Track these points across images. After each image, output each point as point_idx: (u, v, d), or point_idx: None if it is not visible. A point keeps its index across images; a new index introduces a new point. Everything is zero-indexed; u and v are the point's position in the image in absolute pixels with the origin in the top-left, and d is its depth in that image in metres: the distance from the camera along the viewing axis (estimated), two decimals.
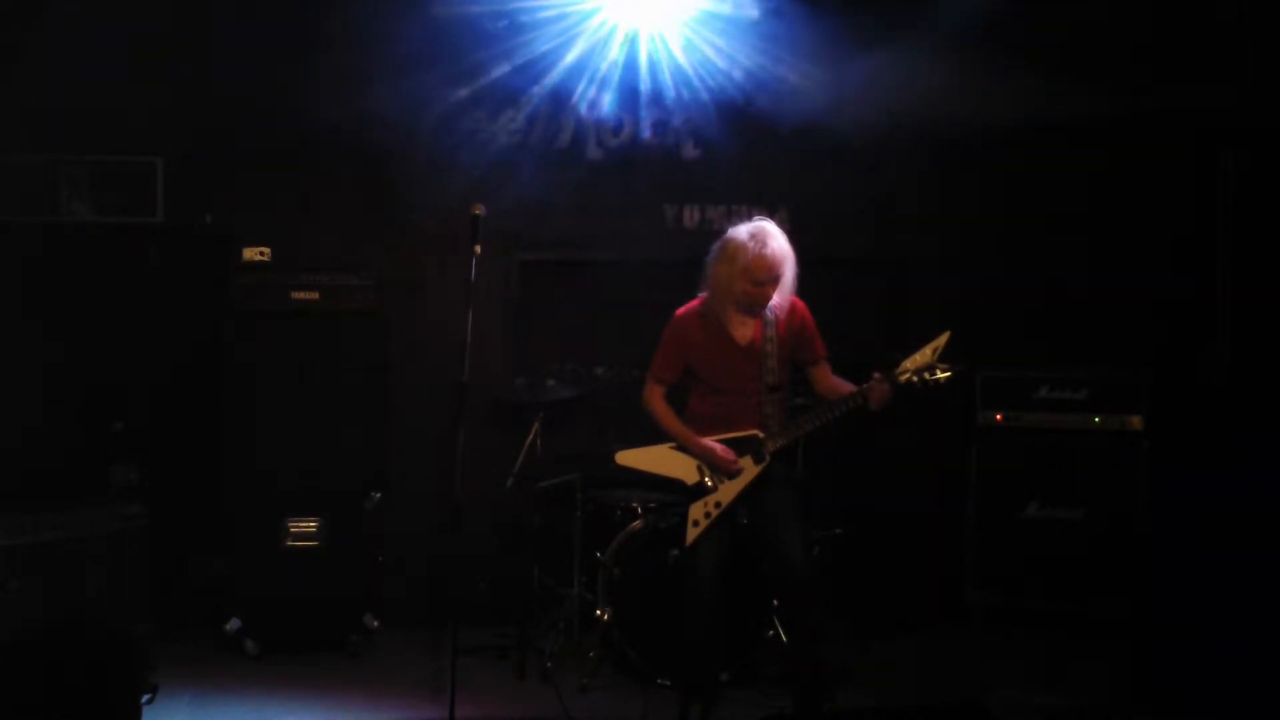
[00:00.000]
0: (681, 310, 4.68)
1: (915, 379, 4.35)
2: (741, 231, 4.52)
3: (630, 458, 4.74)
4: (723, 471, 4.53)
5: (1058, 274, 6.29)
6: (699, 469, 4.58)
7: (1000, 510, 6.03)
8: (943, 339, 4.35)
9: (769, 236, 4.48)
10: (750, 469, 4.52)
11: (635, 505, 5.48)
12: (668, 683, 5.11)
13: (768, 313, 4.54)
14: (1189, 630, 4.62)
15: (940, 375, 4.34)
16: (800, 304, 4.65)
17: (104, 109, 6.08)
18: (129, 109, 6.09)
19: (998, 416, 6.09)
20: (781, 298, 4.54)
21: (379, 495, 5.77)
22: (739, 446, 4.54)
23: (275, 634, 5.64)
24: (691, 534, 4.54)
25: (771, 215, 6.34)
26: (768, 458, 4.52)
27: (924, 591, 6.14)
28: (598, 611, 5.31)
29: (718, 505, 4.52)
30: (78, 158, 6.02)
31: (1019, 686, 5.17)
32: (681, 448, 4.62)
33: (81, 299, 5.85)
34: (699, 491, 4.56)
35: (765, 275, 4.45)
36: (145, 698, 4.03)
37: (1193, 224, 6.20)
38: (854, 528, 5.79)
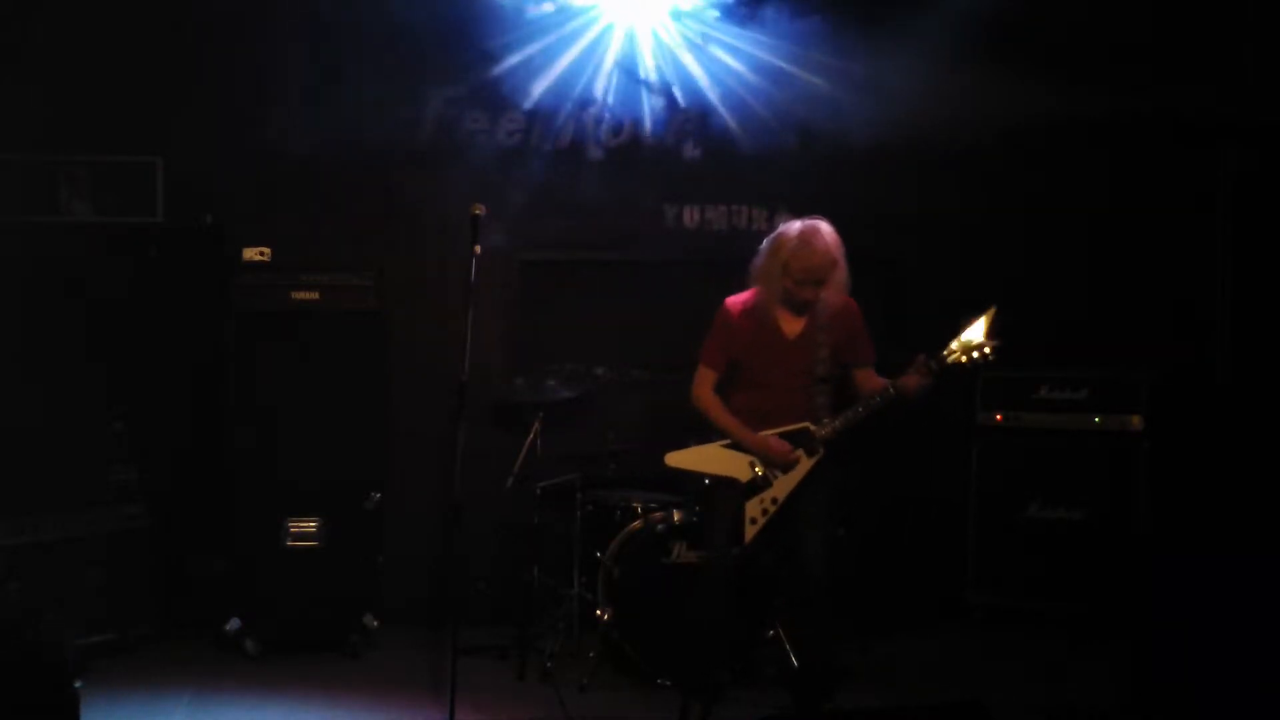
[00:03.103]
0: (731, 299, 4.64)
1: (964, 358, 4.33)
2: (793, 228, 4.48)
3: (681, 459, 4.67)
4: (779, 464, 4.48)
5: (1058, 274, 6.29)
6: (752, 465, 4.53)
7: (1000, 510, 6.04)
8: (988, 316, 4.34)
9: (815, 237, 4.43)
10: (804, 462, 4.47)
11: (635, 505, 5.48)
12: (668, 683, 5.11)
13: (818, 308, 4.50)
14: (1188, 630, 4.61)
15: (989, 351, 4.32)
16: (853, 304, 4.60)
17: (104, 109, 6.08)
18: (129, 109, 6.09)
19: (998, 416, 6.10)
20: (834, 297, 4.49)
21: (379, 495, 5.76)
22: (791, 441, 4.49)
23: (275, 634, 5.63)
24: (750, 531, 4.49)
25: (771, 216, 6.41)
26: (821, 450, 4.48)
27: (924, 591, 6.14)
28: (598, 611, 5.31)
29: (774, 501, 4.48)
30: (78, 158, 6.01)
31: (1019, 686, 5.17)
32: (733, 445, 4.56)
33: (82, 299, 5.84)
34: (754, 488, 4.51)
35: (805, 275, 4.42)
36: (79, 684, 4.01)
37: (1193, 224, 6.20)
38: (855, 527, 5.78)
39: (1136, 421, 5.91)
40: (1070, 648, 5.68)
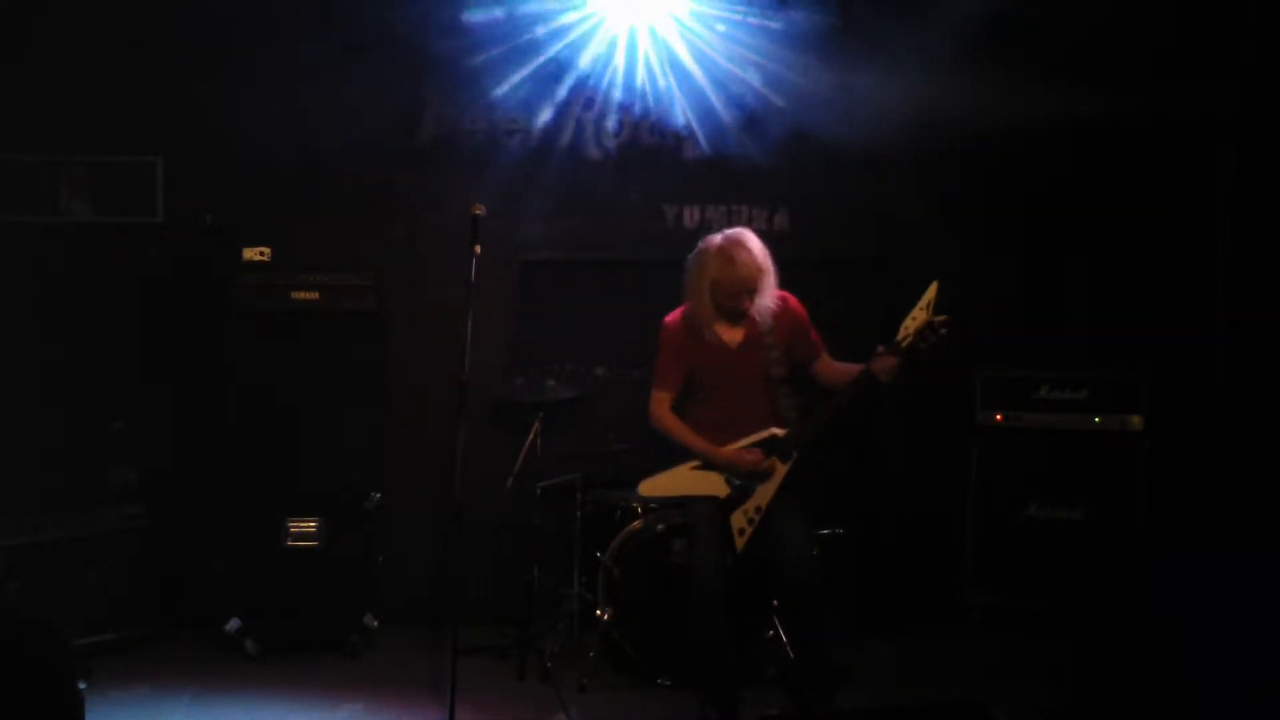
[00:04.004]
0: (668, 318, 4.65)
1: (921, 342, 4.28)
2: (714, 242, 4.47)
3: (654, 486, 4.68)
4: (754, 475, 4.47)
5: (1058, 274, 6.29)
6: (727, 480, 4.53)
7: (1000, 510, 6.03)
8: (931, 291, 4.29)
9: (738, 249, 4.42)
10: (780, 468, 4.46)
11: (635, 505, 5.48)
12: (668, 683, 5.11)
13: (755, 314, 4.50)
14: (1188, 630, 4.62)
15: (939, 326, 4.25)
16: (791, 299, 4.60)
17: (104, 109, 6.08)
18: (129, 109, 6.09)
19: (998, 416, 6.09)
20: (766, 300, 4.48)
21: (379, 495, 5.77)
22: (761, 450, 4.49)
23: (275, 634, 5.64)
24: (740, 542, 4.48)
25: (771, 216, 6.42)
26: (794, 453, 4.46)
27: (924, 591, 6.14)
28: (598, 611, 5.31)
29: (758, 510, 4.47)
30: (78, 158, 6.01)
31: (1018, 686, 5.17)
32: (703, 464, 4.55)
33: (81, 299, 5.85)
34: (735, 500, 4.51)
35: (736, 288, 4.42)
36: (82, 685, 4.03)
37: (1193, 224, 6.20)
38: (854, 528, 5.79)
39: (1136, 421, 5.90)
40: (1070, 648, 5.68)
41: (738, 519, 4.50)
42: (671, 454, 4.68)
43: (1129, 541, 5.74)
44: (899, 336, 4.31)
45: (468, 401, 4.68)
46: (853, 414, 4.46)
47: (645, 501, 5.47)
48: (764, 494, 4.48)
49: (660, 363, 4.64)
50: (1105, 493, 5.88)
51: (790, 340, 4.57)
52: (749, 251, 4.43)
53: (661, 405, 4.61)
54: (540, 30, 6.16)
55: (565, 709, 4.85)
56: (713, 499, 4.54)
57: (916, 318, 4.29)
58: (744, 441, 4.51)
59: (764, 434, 4.50)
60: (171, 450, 5.94)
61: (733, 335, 4.56)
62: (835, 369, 4.57)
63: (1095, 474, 5.91)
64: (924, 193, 6.32)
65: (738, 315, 4.51)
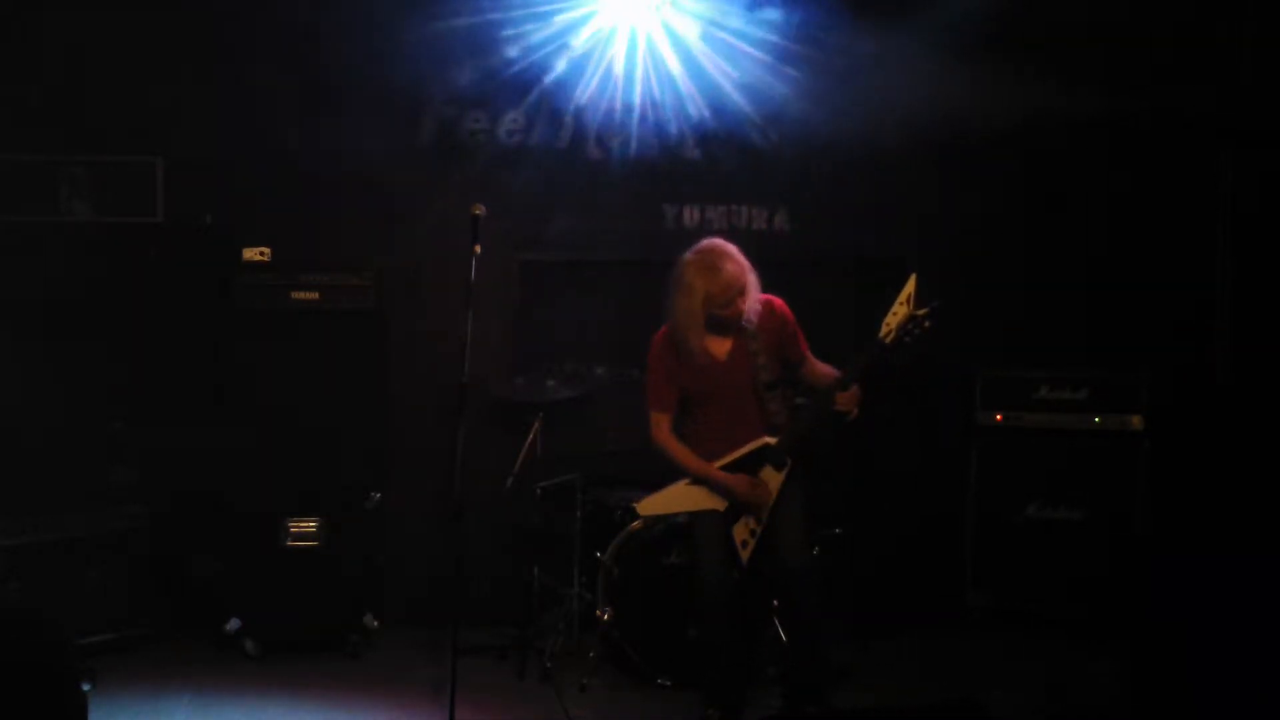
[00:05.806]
0: (656, 337, 4.62)
1: (905, 336, 4.28)
2: (691, 260, 4.45)
3: (653, 505, 4.66)
4: (756, 505, 4.46)
5: (1058, 273, 6.29)
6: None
7: (1000, 510, 6.03)
8: (910, 284, 4.29)
9: (720, 257, 4.40)
10: (776, 478, 4.46)
11: (635, 505, 5.47)
12: (668, 682, 5.11)
13: (744, 320, 4.48)
14: (1188, 630, 4.61)
15: (924, 318, 4.25)
16: (778, 302, 4.58)
17: (104, 109, 6.08)
18: (129, 109, 6.09)
19: (998, 416, 6.09)
20: (753, 302, 4.47)
21: (379, 495, 5.77)
22: (755, 461, 4.47)
23: (275, 634, 5.64)
24: (744, 554, 4.47)
25: (771, 216, 6.42)
26: (788, 460, 4.46)
27: (924, 591, 6.14)
28: (598, 611, 5.31)
29: (759, 521, 4.47)
30: (78, 158, 6.01)
31: (1018, 687, 5.17)
32: (698, 480, 4.54)
33: (81, 299, 5.84)
34: (736, 513, 4.50)
35: (729, 292, 4.39)
36: (86, 686, 4.03)
37: (1193, 223, 6.20)
38: (854, 528, 5.79)
39: (1136, 421, 5.90)
40: (1070, 648, 5.68)
41: (740, 531, 4.49)
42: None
43: (1129, 541, 5.74)
44: (882, 333, 4.31)
45: (468, 401, 4.68)
46: (835, 421, 4.45)
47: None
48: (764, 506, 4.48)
49: (652, 383, 4.62)
50: (1105, 493, 5.88)
51: (778, 344, 4.55)
52: (729, 255, 4.41)
53: (661, 429, 4.58)
54: (542, 32, 6.16)
55: (565, 709, 4.85)
56: (714, 512, 4.53)
57: (898, 312, 4.30)
58: (737, 454, 4.49)
59: (756, 444, 4.48)
60: (171, 450, 5.93)
61: (721, 347, 4.54)
62: (819, 370, 4.57)
63: (1095, 474, 5.91)
64: (924, 193, 6.32)
65: (729, 325, 4.49)
